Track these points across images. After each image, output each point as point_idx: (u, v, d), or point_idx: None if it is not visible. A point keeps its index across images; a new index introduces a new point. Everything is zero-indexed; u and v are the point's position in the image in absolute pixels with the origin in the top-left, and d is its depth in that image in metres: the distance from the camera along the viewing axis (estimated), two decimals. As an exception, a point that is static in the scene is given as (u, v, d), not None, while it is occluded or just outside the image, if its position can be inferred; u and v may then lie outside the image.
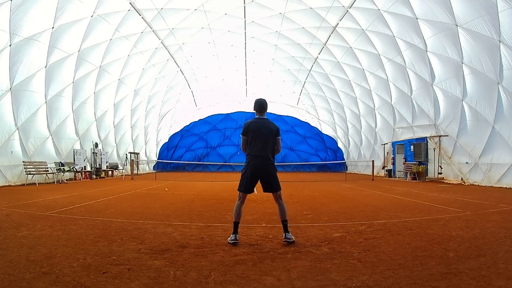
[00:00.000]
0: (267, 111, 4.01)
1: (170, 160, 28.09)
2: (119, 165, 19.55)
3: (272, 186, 3.78)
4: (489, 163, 11.79)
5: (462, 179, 13.11)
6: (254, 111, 3.99)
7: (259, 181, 3.81)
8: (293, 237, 3.66)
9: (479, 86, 11.54)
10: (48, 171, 12.60)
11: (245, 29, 17.06)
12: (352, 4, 13.19)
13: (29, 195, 8.03)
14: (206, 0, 13.98)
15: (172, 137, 27.86)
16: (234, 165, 28.96)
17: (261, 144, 3.76)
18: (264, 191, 3.85)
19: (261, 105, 3.94)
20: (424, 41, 12.52)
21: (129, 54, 15.48)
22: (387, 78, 16.47)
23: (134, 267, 2.77)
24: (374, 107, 19.40)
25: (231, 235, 3.64)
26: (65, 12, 10.71)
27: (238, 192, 3.80)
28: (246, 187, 3.74)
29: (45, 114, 12.56)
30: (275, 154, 3.93)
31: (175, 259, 3.03)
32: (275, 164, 4.00)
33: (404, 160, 17.24)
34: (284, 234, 3.64)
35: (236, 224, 3.67)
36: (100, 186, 11.71)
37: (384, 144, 19.91)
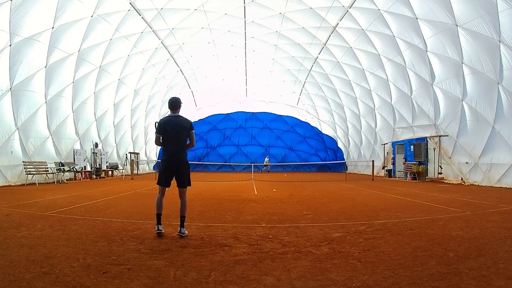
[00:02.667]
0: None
1: (170, 160, 28.03)
2: (119, 165, 19.55)
3: (180, 181, 4.05)
4: (489, 163, 11.79)
5: (462, 179, 13.11)
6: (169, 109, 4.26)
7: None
8: (186, 232, 3.91)
9: (479, 86, 11.54)
10: (48, 171, 12.60)
11: (245, 29, 17.06)
12: (352, 4, 13.19)
13: (29, 195, 8.03)
14: (206, 0, 13.98)
15: (172, 137, 27.84)
16: (234, 165, 28.99)
17: (173, 141, 4.03)
18: (177, 185, 4.11)
19: (172, 103, 4.19)
20: (424, 41, 12.52)
21: (129, 54, 15.48)
22: (387, 78, 16.47)
23: (134, 267, 2.77)
24: (374, 107, 19.40)
25: (156, 226, 3.93)
26: (65, 12, 10.70)
27: (158, 186, 4.10)
28: (164, 181, 4.06)
29: (45, 114, 12.56)
30: (189, 148, 4.19)
31: (175, 259, 3.03)
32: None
33: (404, 160, 17.23)
34: (179, 228, 3.90)
35: (158, 216, 3.96)
36: (100, 186, 11.71)
37: (384, 144, 19.91)
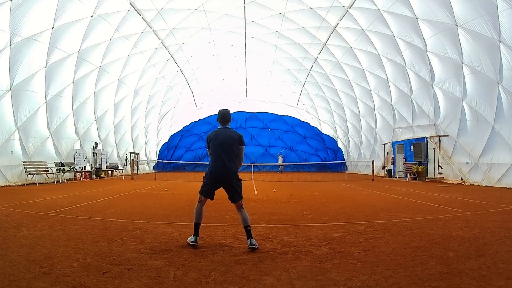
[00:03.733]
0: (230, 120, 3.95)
1: (170, 160, 28.08)
2: (119, 165, 19.55)
3: (234, 194, 3.75)
4: (489, 163, 11.79)
5: (462, 179, 13.11)
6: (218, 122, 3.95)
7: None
8: (256, 244, 3.46)
9: (479, 86, 11.54)
10: (48, 171, 12.60)
11: (245, 29, 17.06)
12: (352, 4, 13.18)
13: (29, 195, 8.03)
14: (206, 0, 13.98)
15: (172, 137, 27.86)
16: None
17: (225, 152, 3.72)
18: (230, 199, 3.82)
19: (223, 115, 3.89)
20: (424, 41, 12.52)
21: (129, 54, 15.48)
22: (387, 78, 16.47)
23: (134, 267, 2.77)
24: (374, 107, 19.40)
25: (192, 236, 3.59)
26: (65, 12, 10.70)
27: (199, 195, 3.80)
28: (209, 194, 3.79)
29: (45, 114, 12.56)
30: (240, 164, 3.85)
31: (175, 259, 3.04)
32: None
33: (404, 160, 17.23)
34: (249, 240, 3.48)
35: (196, 225, 3.64)
36: (100, 186, 11.71)
37: (384, 144, 19.91)
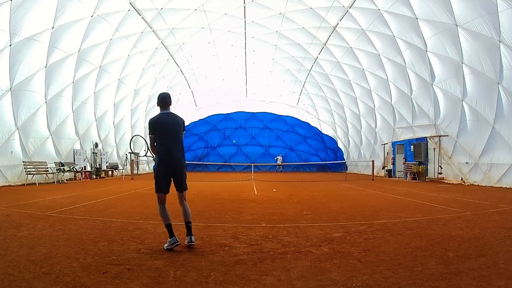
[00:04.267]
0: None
1: (170, 160, 28.03)
2: (119, 165, 19.54)
3: (179, 185, 3.59)
4: (489, 163, 11.79)
5: (462, 179, 13.11)
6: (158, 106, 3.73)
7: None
8: (193, 240, 3.40)
9: (479, 86, 11.54)
10: (48, 171, 12.60)
11: (245, 29, 17.06)
12: (352, 4, 13.18)
13: (29, 195, 8.03)
14: (206, 0, 13.98)
15: (172, 137, 27.83)
16: (234, 165, 28.98)
17: (169, 141, 3.54)
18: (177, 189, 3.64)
19: (163, 99, 3.67)
20: (424, 41, 12.52)
21: (129, 54, 15.47)
22: (387, 78, 16.47)
23: (134, 267, 2.77)
24: (374, 107, 19.39)
25: (169, 240, 3.37)
26: (65, 12, 10.70)
27: (156, 194, 3.57)
28: (164, 188, 3.54)
29: (45, 114, 12.56)
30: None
31: (175, 259, 3.04)
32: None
33: (404, 160, 17.23)
34: (189, 237, 3.42)
35: (169, 227, 3.43)
36: (100, 186, 11.71)
37: (384, 144, 19.91)
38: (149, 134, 3.63)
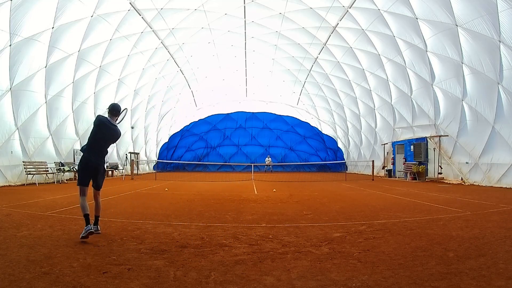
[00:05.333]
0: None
1: (170, 160, 28.08)
2: (119, 165, 19.55)
3: (98, 182, 4.12)
4: (489, 163, 11.79)
5: (462, 179, 13.11)
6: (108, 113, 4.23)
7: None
8: (99, 229, 3.98)
9: (479, 86, 11.54)
10: (48, 171, 12.60)
11: (245, 29, 17.06)
12: (352, 4, 13.18)
13: (29, 195, 8.03)
14: (206, 0, 13.98)
15: (172, 137, 27.86)
16: (234, 165, 28.98)
17: (101, 144, 4.12)
18: (93, 186, 4.13)
19: (113, 108, 4.20)
20: (424, 41, 12.52)
21: (129, 54, 15.47)
22: (387, 78, 16.47)
23: (134, 267, 2.77)
24: (374, 107, 19.40)
25: (85, 227, 3.70)
26: (65, 12, 10.70)
27: (78, 187, 4.03)
28: (85, 180, 4.03)
29: (45, 114, 12.56)
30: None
31: (175, 259, 3.04)
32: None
33: (404, 160, 17.23)
34: (91, 226, 3.75)
35: (86, 216, 3.80)
36: (100, 186, 11.69)
37: (384, 144, 19.91)
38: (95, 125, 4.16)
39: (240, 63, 21.20)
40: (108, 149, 4.25)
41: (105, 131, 4.07)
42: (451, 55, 11.87)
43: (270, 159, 27.91)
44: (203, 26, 16.05)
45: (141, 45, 15.52)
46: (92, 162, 3.99)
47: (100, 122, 4.08)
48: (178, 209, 6.24)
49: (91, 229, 3.68)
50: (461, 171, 13.30)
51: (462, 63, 11.57)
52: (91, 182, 4.08)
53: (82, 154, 4.16)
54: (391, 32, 13.51)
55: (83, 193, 3.94)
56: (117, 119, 4.22)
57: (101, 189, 4.16)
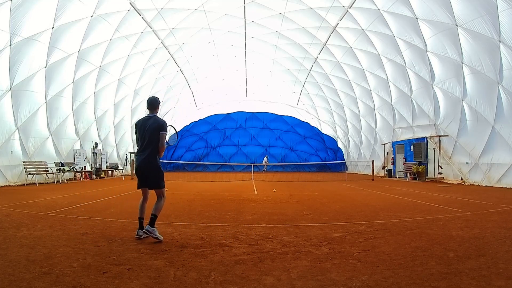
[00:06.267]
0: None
1: (170, 160, 28.07)
2: (119, 165, 19.55)
3: (152, 183, 3.93)
4: (489, 163, 11.79)
5: (462, 179, 13.11)
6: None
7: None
8: (151, 233, 3.68)
9: (479, 86, 11.54)
10: (48, 171, 12.60)
11: (245, 29, 17.06)
12: (352, 4, 13.18)
13: (29, 195, 8.03)
14: (206, 0, 13.98)
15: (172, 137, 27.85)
16: (234, 165, 28.97)
17: (142, 142, 3.95)
18: (149, 187, 4.01)
19: (150, 103, 4.09)
20: (424, 41, 12.52)
21: (129, 54, 15.47)
22: (387, 78, 16.47)
23: (134, 267, 2.77)
24: (374, 107, 19.40)
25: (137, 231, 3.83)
26: (65, 12, 10.70)
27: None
28: (138, 183, 3.99)
29: (45, 114, 12.56)
30: (160, 150, 3.94)
31: (175, 259, 3.04)
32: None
33: (404, 160, 17.23)
34: (146, 226, 3.70)
35: (139, 220, 3.85)
36: (100, 186, 11.71)
37: (384, 144, 19.91)
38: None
39: (240, 63, 21.20)
40: (153, 145, 3.88)
41: (141, 131, 3.96)
42: (451, 55, 11.87)
43: (266, 158, 28.00)
44: (203, 26, 16.05)
45: (141, 45, 15.52)
46: (138, 165, 3.94)
47: (136, 128, 4.08)
48: (178, 209, 6.24)
49: (140, 234, 3.74)
50: (461, 171, 13.30)
51: (462, 63, 11.57)
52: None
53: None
54: (391, 32, 13.51)
55: (142, 196, 4.01)
56: (157, 112, 4.08)
57: (162, 189, 3.95)
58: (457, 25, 10.68)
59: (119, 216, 5.32)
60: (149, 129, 3.89)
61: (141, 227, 3.80)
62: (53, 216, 5.15)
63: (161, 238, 3.72)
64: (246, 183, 13.62)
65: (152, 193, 4.02)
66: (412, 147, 16.48)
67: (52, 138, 13.30)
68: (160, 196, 3.94)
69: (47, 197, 7.81)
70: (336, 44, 16.80)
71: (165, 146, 4.02)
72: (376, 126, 20.40)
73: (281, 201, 7.55)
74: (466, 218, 5.20)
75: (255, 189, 10.42)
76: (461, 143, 13.15)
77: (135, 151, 4.05)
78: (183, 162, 28.13)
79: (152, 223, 3.71)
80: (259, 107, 27.73)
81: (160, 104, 4.15)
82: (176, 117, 26.00)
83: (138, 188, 4.00)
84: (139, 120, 4.09)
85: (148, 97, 4.14)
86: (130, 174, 17.89)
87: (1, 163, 10.66)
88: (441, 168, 14.38)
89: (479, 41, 10.46)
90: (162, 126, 3.90)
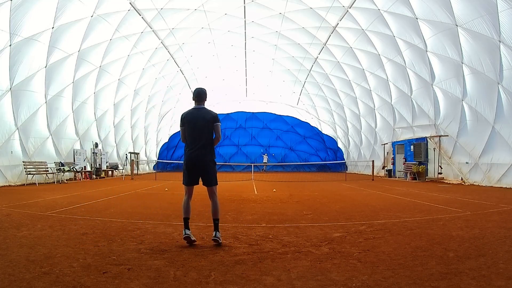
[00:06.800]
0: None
1: (170, 160, 28.08)
2: (119, 165, 19.55)
3: (206, 179, 3.68)
4: (489, 163, 11.79)
5: (462, 179, 13.11)
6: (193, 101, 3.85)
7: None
8: (220, 238, 3.51)
9: (479, 86, 11.54)
10: (48, 171, 12.60)
11: (245, 29, 17.06)
12: (352, 4, 13.18)
13: (29, 195, 8.03)
14: (206, 0, 13.98)
15: (172, 137, 27.85)
16: (234, 165, 28.97)
17: (194, 136, 3.66)
18: (203, 184, 3.75)
19: (198, 94, 3.79)
20: (424, 41, 12.52)
21: (129, 54, 15.48)
22: (387, 78, 16.47)
23: (134, 267, 2.77)
24: (374, 107, 19.40)
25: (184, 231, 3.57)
26: (65, 12, 10.71)
27: (184, 186, 3.76)
28: (188, 180, 3.71)
29: (45, 114, 12.56)
30: (215, 143, 3.75)
31: (175, 259, 3.03)
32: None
33: (404, 160, 17.23)
34: (215, 232, 3.52)
35: (185, 220, 3.63)
36: (100, 186, 11.71)
37: (384, 144, 19.91)
38: (180, 127, 3.83)
39: (240, 63, 21.20)
40: (207, 137, 3.65)
41: (191, 124, 3.67)
42: (451, 55, 11.87)
43: (266, 156, 27.94)
44: (203, 26, 16.06)
45: (141, 45, 15.53)
46: (191, 160, 3.65)
47: (182, 120, 3.76)
48: (178, 209, 6.23)
49: (187, 234, 3.49)
50: (461, 171, 13.30)
51: (462, 63, 11.57)
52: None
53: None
54: (391, 32, 13.51)
55: (186, 193, 3.74)
56: (204, 103, 3.81)
57: (214, 187, 3.68)
58: (457, 25, 10.68)
59: (119, 216, 5.32)
60: (202, 121, 3.63)
61: (187, 226, 3.57)
62: (53, 216, 5.15)
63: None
64: (246, 183, 13.61)
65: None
66: (412, 147, 16.48)
67: (52, 138, 13.30)
68: (213, 195, 3.68)
69: (47, 197, 7.81)
70: (336, 44, 16.80)
71: (221, 137, 3.78)
72: (376, 126, 20.40)
73: (281, 201, 7.55)
74: (466, 218, 5.20)
75: (255, 189, 10.41)
76: (461, 143, 13.15)
77: (186, 147, 3.72)
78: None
79: (217, 228, 3.53)
80: (259, 107, 27.74)
81: (207, 94, 3.86)
82: (176, 117, 26.00)
83: (187, 185, 3.71)
84: (186, 112, 3.77)
85: (195, 89, 3.87)
86: (130, 174, 17.89)
87: (1, 163, 10.66)
88: (441, 168, 14.38)
89: (479, 41, 10.46)
90: (215, 117, 3.67)
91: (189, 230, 3.56)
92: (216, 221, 3.56)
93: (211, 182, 3.68)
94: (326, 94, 22.75)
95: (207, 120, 3.64)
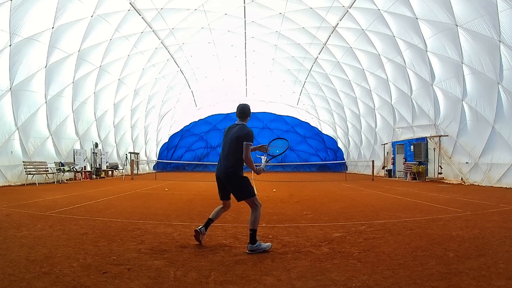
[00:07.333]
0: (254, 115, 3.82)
1: (170, 160, 28.09)
2: (119, 165, 19.55)
3: (234, 195, 3.58)
4: (489, 163, 11.79)
5: (462, 179, 13.11)
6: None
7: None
8: (254, 251, 3.26)
9: (479, 86, 11.54)
10: (48, 171, 12.60)
11: (245, 29, 17.06)
12: (352, 4, 13.19)
13: (29, 195, 8.03)
14: (206, 0, 13.98)
15: (172, 137, 27.88)
16: (234, 165, 28.94)
17: (223, 150, 3.65)
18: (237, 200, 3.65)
19: (240, 110, 3.69)
20: (424, 41, 12.52)
21: (129, 54, 15.48)
22: (387, 78, 16.48)
23: (134, 267, 2.77)
24: (374, 107, 19.40)
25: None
26: (65, 12, 10.70)
27: None
28: (219, 195, 3.76)
29: (45, 114, 12.56)
30: (244, 162, 3.52)
31: (175, 259, 3.03)
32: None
33: (404, 160, 17.23)
34: (248, 245, 3.31)
35: (208, 220, 3.71)
36: (100, 186, 11.71)
37: (384, 144, 19.91)
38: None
39: (240, 63, 21.20)
40: (233, 152, 3.50)
41: (225, 138, 3.66)
42: (451, 55, 11.87)
43: (265, 157, 27.95)
44: (203, 26, 16.06)
45: (141, 45, 15.53)
46: (216, 174, 3.65)
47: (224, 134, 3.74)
48: (178, 209, 6.24)
49: (200, 230, 3.53)
50: (461, 171, 13.30)
51: (462, 63, 11.57)
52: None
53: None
54: (391, 32, 13.52)
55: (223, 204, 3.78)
56: (247, 121, 3.69)
57: (248, 200, 3.50)
58: (457, 25, 10.68)
59: (119, 216, 5.32)
60: (232, 138, 3.52)
61: (206, 226, 3.60)
62: (53, 216, 5.15)
63: (270, 246, 3.39)
64: (246, 183, 13.57)
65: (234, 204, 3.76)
66: (412, 147, 16.48)
67: (52, 138, 13.30)
68: (253, 206, 3.47)
69: (47, 197, 7.81)
70: (336, 44, 16.80)
71: (250, 158, 3.53)
72: (376, 126, 20.40)
73: (281, 201, 7.55)
74: (466, 218, 5.20)
75: (255, 189, 10.39)
76: (461, 143, 13.15)
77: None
78: (183, 162, 28.13)
79: (252, 240, 3.27)
80: (259, 107, 27.74)
81: (251, 112, 3.74)
82: (176, 117, 26.02)
83: (220, 199, 3.77)
84: (229, 126, 3.73)
85: (239, 104, 3.72)
86: (130, 174, 17.89)
87: (1, 163, 10.66)
88: (441, 168, 14.38)
89: (479, 41, 10.46)
90: (245, 135, 3.44)
91: (204, 228, 3.59)
92: (250, 231, 3.33)
93: (241, 197, 3.52)
94: (326, 94, 22.76)
95: (237, 136, 3.50)
